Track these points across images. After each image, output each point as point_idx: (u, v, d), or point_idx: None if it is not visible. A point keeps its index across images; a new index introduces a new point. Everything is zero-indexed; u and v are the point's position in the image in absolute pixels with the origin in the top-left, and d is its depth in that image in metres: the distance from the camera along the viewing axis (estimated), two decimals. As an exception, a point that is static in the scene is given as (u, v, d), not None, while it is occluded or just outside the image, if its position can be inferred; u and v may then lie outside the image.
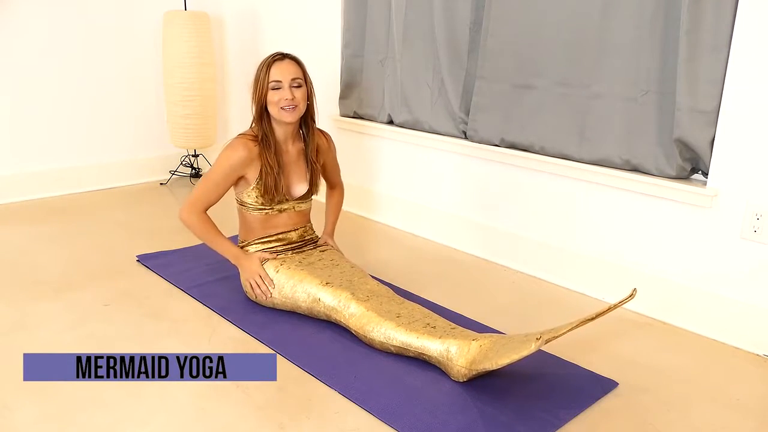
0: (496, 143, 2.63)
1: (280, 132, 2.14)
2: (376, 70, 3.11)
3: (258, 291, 2.11)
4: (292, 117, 2.08)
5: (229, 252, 2.15)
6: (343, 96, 3.25)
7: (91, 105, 3.52)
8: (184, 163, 3.88)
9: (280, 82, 2.05)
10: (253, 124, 2.14)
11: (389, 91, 3.05)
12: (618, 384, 1.80)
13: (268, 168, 2.09)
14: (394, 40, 2.98)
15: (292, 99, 2.05)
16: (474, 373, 1.69)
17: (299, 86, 2.08)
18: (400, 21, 2.91)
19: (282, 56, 2.09)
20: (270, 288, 2.09)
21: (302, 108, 2.10)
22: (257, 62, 3.73)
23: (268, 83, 2.06)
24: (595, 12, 2.25)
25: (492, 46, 2.58)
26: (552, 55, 2.40)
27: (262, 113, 2.10)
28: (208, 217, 2.14)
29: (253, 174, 2.10)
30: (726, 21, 1.95)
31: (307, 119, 2.17)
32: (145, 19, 3.61)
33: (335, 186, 2.46)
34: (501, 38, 2.54)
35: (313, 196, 2.28)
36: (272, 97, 2.06)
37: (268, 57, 2.10)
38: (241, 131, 2.02)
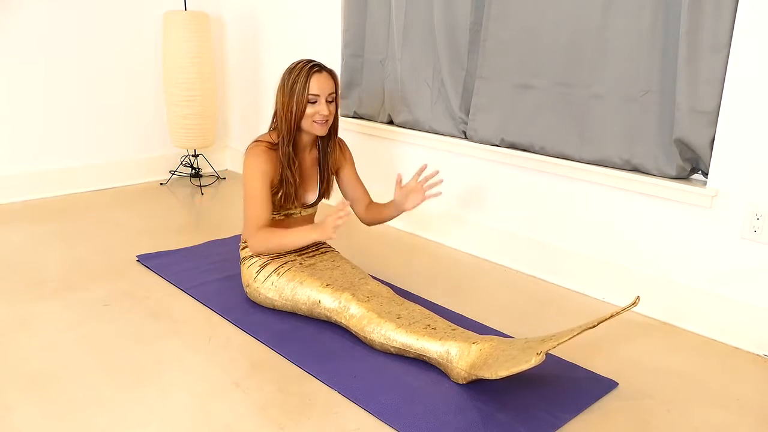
0: (496, 143, 2.63)
1: (301, 141, 2.11)
2: (376, 70, 3.11)
3: (340, 216, 1.87)
4: (323, 131, 2.06)
5: (305, 231, 1.96)
6: (343, 96, 3.25)
7: (92, 105, 3.52)
8: (184, 163, 3.88)
9: (318, 96, 2.00)
10: (271, 131, 2.10)
11: (389, 91, 3.05)
12: (618, 384, 1.80)
13: (290, 179, 2.07)
14: (394, 40, 2.98)
15: (327, 114, 2.02)
16: (473, 377, 1.69)
17: (332, 101, 2.05)
18: (400, 21, 2.91)
19: (320, 68, 2.03)
20: (345, 208, 1.88)
21: (331, 122, 2.08)
22: (257, 62, 3.78)
23: (307, 95, 2.00)
24: (595, 12, 2.25)
25: (492, 46, 2.58)
26: (552, 55, 2.40)
27: (299, 124, 2.04)
28: (266, 228, 2.03)
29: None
30: (726, 21, 1.95)
31: (330, 131, 2.14)
32: (145, 19, 3.62)
33: (368, 203, 2.31)
34: (501, 38, 2.55)
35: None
36: (308, 109, 2.02)
37: (304, 66, 2.01)
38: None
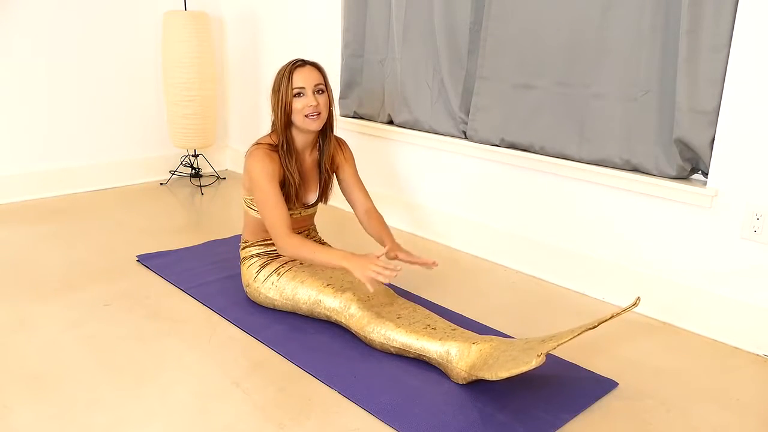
0: (496, 143, 2.63)
1: (300, 141, 2.10)
2: (376, 70, 3.11)
3: (385, 275, 1.79)
4: (316, 125, 2.04)
5: (338, 255, 1.90)
6: (343, 96, 3.25)
7: (92, 105, 3.52)
8: (184, 163, 3.88)
9: (303, 88, 2.00)
10: (271, 133, 2.10)
11: (389, 91, 3.05)
12: (618, 384, 1.80)
13: (291, 179, 2.06)
14: (394, 40, 2.98)
15: (317, 105, 2.01)
16: (473, 377, 1.69)
17: (322, 92, 2.04)
18: (400, 21, 2.91)
19: (303, 62, 2.04)
20: (396, 269, 1.82)
21: (325, 115, 2.07)
22: (257, 62, 3.78)
23: (291, 90, 2.01)
24: (595, 12, 2.25)
25: (492, 46, 2.58)
26: (552, 55, 2.40)
27: (288, 123, 2.05)
28: (299, 236, 2.00)
29: None
30: (726, 21, 1.95)
31: (326, 128, 2.13)
32: (145, 19, 3.61)
33: (367, 208, 2.23)
34: (501, 38, 2.54)
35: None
36: (296, 104, 2.01)
37: (288, 64, 2.04)
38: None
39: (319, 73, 2.06)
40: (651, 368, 1.90)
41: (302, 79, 2.01)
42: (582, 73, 2.33)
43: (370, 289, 1.83)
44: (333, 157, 2.21)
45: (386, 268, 1.81)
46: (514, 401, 1.67)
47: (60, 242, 2.74)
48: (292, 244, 1.97)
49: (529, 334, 2.06)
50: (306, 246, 1.96)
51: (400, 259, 2.03)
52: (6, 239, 2.77)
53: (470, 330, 1.97)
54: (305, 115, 2.02)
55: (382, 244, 2.14)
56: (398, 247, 2.08)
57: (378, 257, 1.87)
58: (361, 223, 2.26)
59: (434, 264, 1.99)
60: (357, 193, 2.25)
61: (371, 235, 2.22)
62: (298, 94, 2.01)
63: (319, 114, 2.03)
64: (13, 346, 1.89)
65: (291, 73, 2.01)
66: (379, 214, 2.25)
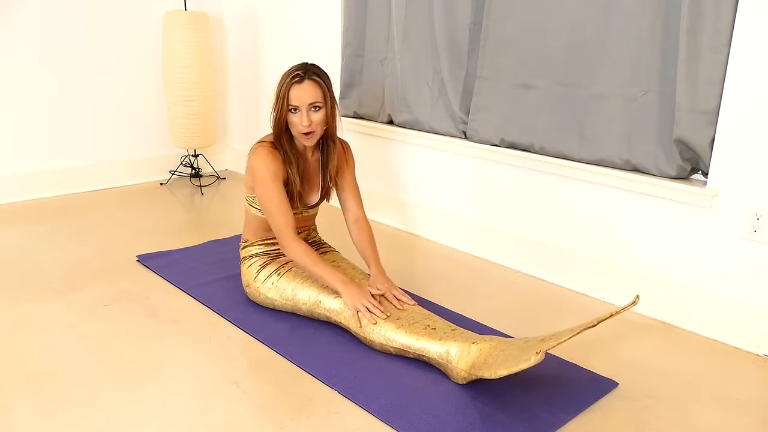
0: (496, 143, 2.63)
1: (300, 144, 2.11)
2: (376, 70, 3.11)
3: (369, 315, 1.90)
4: (309, 142, 2.04)
5: (336, 278, 1.97)
6: (343, 96, 3.25)
7: (92, 105, 3.52)
8: (184, 163, 3.88)
9: (297, 106, 1.98)
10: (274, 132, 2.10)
11: (389, 91, 3.05)
12: (618, 384, 1.80)
13: (292, 182, 2.06)
14: (394, 40, 2.98)
15: (309, 125, 1.99)
16: (473, 377, 1.69)
17: (318, 109, 2.01)
18: (400, 21, 2.91)
19: (301, 77, 1.98)
20: (386, 313, 1.91)
21: (320, 132, 2.04)
22: (257, 62, 3.78)
23: (286, 106, 1.99)
24: (595, 12, 2.25)
25: (492, 46, 2.58)
26: (552, 55, 2.40)
27: (282, 132, 2.04)
28: (307, 246, 2.02)
29: None
30: (726, 21, 1.95)
31: (328, 136, 2.11)
32: (145, 19, 3.61)
33: (357, 217, 2.21)
34: (501, 38, 2.55)
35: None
36: (291, 119, 2.01)
37: (287, 75, 2.00)
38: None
39: (317, 88, 2.00)
40: (651, 368, 1.90)
41: (297, 97, 1.98)
42: (582, 73, 2.33)
43: (355, 321, 1.92)
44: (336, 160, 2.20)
45: (376, 308, 1.91)
46: (514, 401, 1.67)
47: (60, 242, 2.74)
48: (296, 250, 1.99)
49: (529, 334, 2.06)
50: (310, 257, 1.98)
51: (383, 295, 2.01)
52: (6, 239, 2.77)
53: (470, 330, 1.97)
54: (300, 132, 2.01)
55: (367, 264, 2.15)
56: (381, 279, 2.06)
57: (373, 295, 1.96)
58: (348, 231, 2.24)
59: (413, 305, 2.00)
60: (351, 200, 2.23)
61: (357, 248, 2.21)
62: (293, 111, 2.00)
63: (312, 132, 2.02)
64: (13, 346, 1.89)
65: (288, 89, 1.98)
66: (369, 227, 2.22)
